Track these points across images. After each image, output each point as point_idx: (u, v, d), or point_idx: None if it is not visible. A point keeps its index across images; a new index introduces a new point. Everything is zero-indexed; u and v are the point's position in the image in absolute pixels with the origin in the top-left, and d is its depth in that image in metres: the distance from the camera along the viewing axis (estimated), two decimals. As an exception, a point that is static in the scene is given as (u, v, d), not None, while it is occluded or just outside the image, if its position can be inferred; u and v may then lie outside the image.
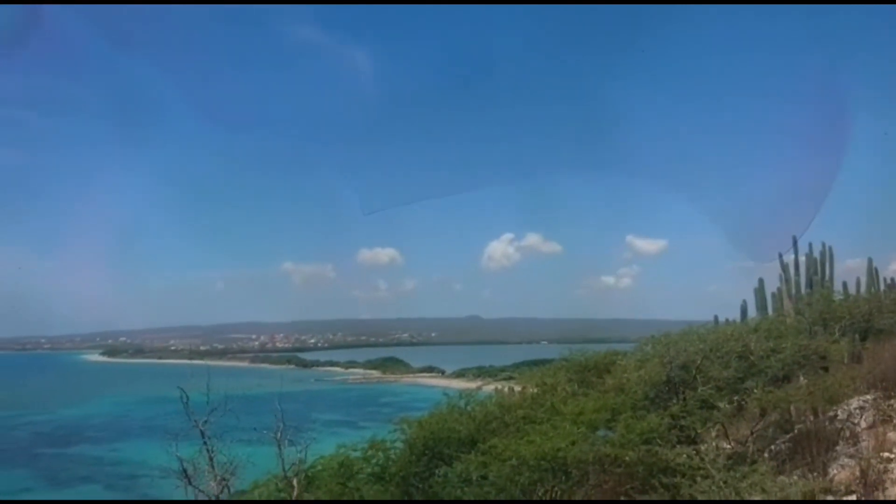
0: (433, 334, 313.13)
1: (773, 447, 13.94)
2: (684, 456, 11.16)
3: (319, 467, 12.93)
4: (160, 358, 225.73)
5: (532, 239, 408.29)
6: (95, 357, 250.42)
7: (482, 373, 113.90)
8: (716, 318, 23.70)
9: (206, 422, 8.31)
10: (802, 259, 24.17)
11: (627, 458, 11.32)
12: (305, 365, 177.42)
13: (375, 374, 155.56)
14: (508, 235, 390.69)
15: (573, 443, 11.51)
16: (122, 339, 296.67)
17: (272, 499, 12.91)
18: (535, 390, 16.69)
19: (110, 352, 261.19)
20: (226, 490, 8.56)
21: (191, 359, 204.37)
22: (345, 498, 12.58)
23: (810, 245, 24.40)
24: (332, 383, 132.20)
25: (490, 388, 22.62)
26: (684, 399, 13.44)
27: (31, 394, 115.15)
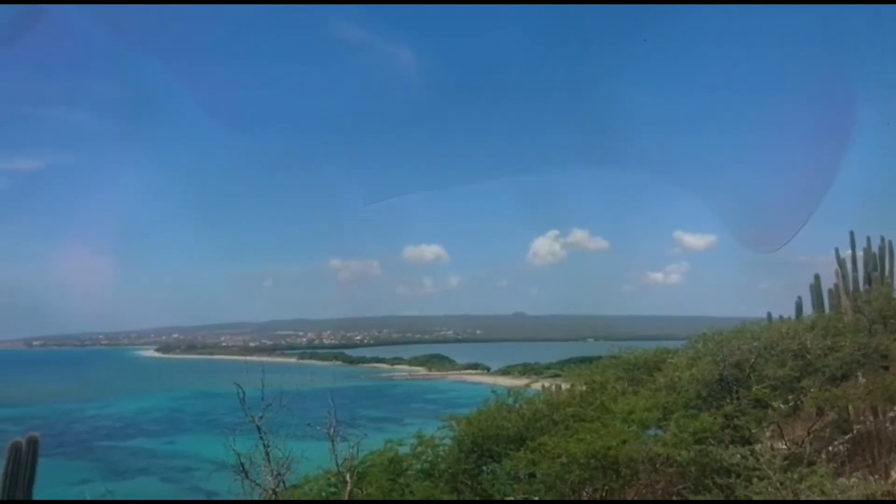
0: (478, 331, 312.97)
1: (830, 448, 13.59)
2: (738, 456, 10.94)
3: (369, 463, 13.08)
4: (211, 354, 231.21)
5: (578, 235, 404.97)
6: (150, 353, 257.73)
7: (527, 370, 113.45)
8: (769, 315, 23.12)
9: (261, 417, 8.49)
10: (860, 254, 23.38)
11: (680, 458, 11.15)
12: (351, 361, 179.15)
13: (421, 370, 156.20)
14: (554, 232, 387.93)
15: (624, 441, 11.40)
16: (175, 335, 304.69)
17: (323, 493, 13.14)
18: (584, 388, 16.57)
19: (164, 348, 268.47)
20: (281, 484, 8.74)
21: (240, 355, 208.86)
22: (394, 494, 12.70)
23: (868, 239, 23.58)
24: (378, 380, 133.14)
25: (537, 385, 22.55)
26: (738, 398, 13.20)
27: (91, 388, 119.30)
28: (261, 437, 8.47)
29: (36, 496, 12.77)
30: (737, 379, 13.63)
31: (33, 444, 11.94)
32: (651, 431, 12.72)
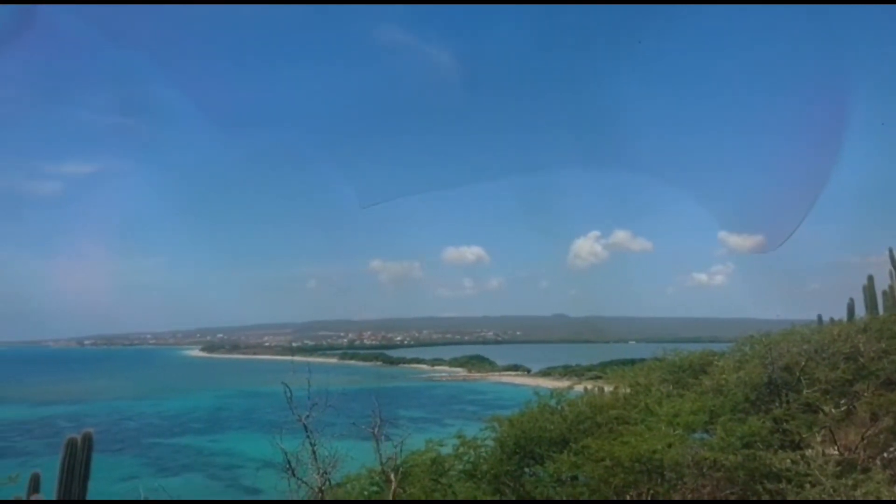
0: (518, 332, 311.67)
1: (885, 454, 13.16)
2: (789, 461, 10.69)
3: (411, 463, 13.12)
4: (254, 354, 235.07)
5: (620, 236, 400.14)
6: (195, 352, 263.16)
7: (568, 372, 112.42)
8: (819, 317, 22.55)
9: (307, 416, 8.61)
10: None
11: (728, 463, 10.92)
12: (392, 362, 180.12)
13: (461, 371, 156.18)
14: (595, 233, 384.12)
15: (669, 445, 11.22)
16: (220, 335, 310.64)
17: (365, 492, 13.24)
18: (628, 390, 16.38)
19: (209, 347, 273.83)
20: (327, 482, 8.85)
21: (282, 355, 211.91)
22: (437, 494, 12.73)
23: (924, 240, 22.78)
24: (418, 381, 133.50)
25: (579, 387, 22.35)
26: (787, 402, 12.90)
27: (139, 386, 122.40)
28: (307, 436, 8.58)
29: (89, 490, 13.19)
30: (786, 382, 13.32)
31: (88, 440, 12.36)
32: (697, 435, 12.50)
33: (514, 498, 13.03)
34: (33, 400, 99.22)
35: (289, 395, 8.50)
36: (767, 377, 13.35)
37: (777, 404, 12.92)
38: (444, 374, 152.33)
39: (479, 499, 12.51)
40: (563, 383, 24.80)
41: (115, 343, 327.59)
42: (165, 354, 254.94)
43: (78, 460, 12.24)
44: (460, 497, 12.48)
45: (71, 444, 12.46)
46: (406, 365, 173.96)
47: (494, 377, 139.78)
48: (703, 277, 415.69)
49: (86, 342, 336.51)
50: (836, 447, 13.39)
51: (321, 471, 8.52)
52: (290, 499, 9.44)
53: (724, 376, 14.47)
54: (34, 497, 11.79)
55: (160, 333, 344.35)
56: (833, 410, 13.53)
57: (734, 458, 10.96)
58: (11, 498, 11.75)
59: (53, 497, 12.40)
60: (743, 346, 15.73)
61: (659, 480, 11.64)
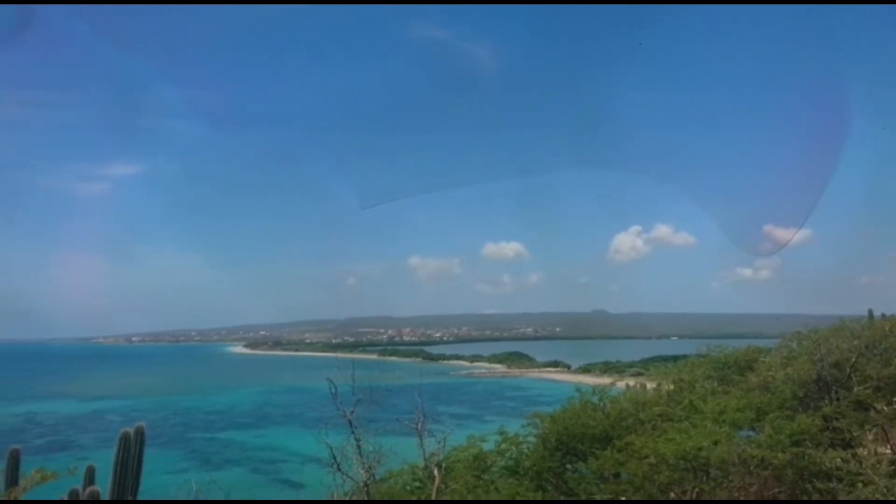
0: (557, 329, 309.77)
1: (942, 454, 12.74)
2: (839, 460, 10.43)
3: (453, 459, 13.19)
4: (296, 350, 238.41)
5: (662, 230, 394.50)
6: (239, 349, 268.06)
7: (609, 368, 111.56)
8: (870, 312, 21.92)
9: (352, 412, 8.73)
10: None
11: (776, 461, 10.72)
12: (431, 358, 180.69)
13: (500, 368, 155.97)
14: (637, 227, 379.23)
15: (715, 442, 11.06)
16: (262, 332, 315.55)
17: (408, 487, 13.36)
18: (671, 387, 16.19)
19: (252, 344, 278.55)
20: (372, 477, 8.97)
21: (323, 351, 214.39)
22: (479, 490, 12.77)
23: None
24: (458, 377, 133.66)
25: (620, 384, 22.16)
26: (837, 399, 12.59)
27: (185, 382, 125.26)
28: (352, 432, 8.70)
29: (141, 482, 13.59)
30: (836, 379, 13.00)
31: (140, 434, 12.75)
32: (743, 433, 12.30)
33: (556, 495, 13.00)
34: (84, 395, 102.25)
35: (334, 390, 8.63)
36: (816, 374, 13.05)
37: (826, 402, 12.61)
38: (483, 371, 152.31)
39: (521, 495, 12.51)
40: (603, 380, 24.63)
41: (161, 340, 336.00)
42: (210, 351, 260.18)
43: (131, 453, 12.64)
44: (503, 493, 12.50)
45: (125, 438, 12.86)
46: (445, 361, 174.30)
47: (534, 374, 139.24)
48: (747, 272, 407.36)
49: (134, 339, 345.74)
50: (888, 446, 13.03)
51: (366, 466, 8.63)
52: (336, 493, 9.60)
53: (771, 373, 14.19)
54: (90, 489, 12.22)
55: (205, 330, 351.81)
56: (885, 408, 13.14)
57: (782, 457, 10.76)
58: (70, 489, 12.22)
59: (108, 488, 12.84)
60: (790, 343, 15.40)
61: (704, 478, 11.49)
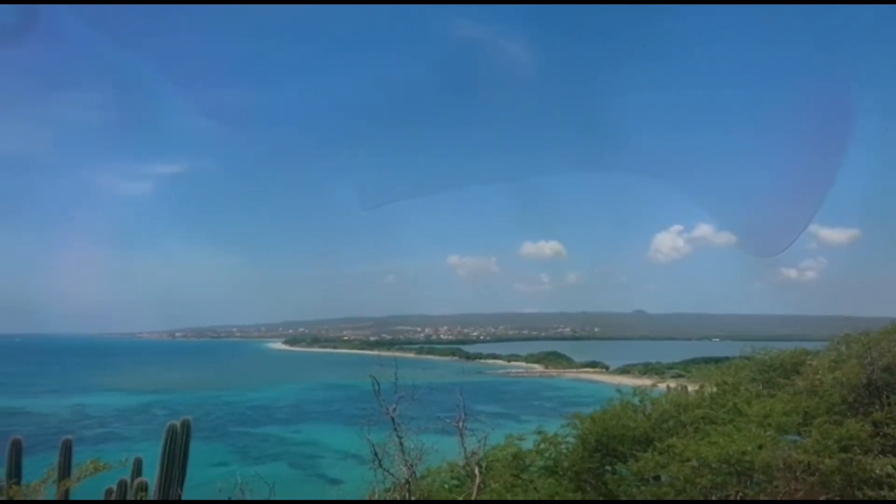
0: (596, 329, 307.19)
1: None
2: (890, 467, 10.15)
3: (491, 458, 13.19)
4: (334, 347, 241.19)
5: (703, 230, 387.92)
6: (278, 345, 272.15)
7: (648, 369, 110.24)
8: (924, 314, 21.19)
9: (394, 409, 8.81)
10: None
11: (823, 466, 10.48)
12: (468, 357, 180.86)
13: (537, 367, 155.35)
14: (678, 227, 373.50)
15: (760, 446, 10.85)
16: (301, 329, 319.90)
17: (446, 486, 13.40)
18: (714, 389, 15.91)
19: (291, 341, 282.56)
20: (413, 474, 9.04)
21: (361, 349, 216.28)
22: (517, 489, 12.76)
23: None
24: (495, 376, 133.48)
25: (661, 386, 21.89)
26: (889, 404, 12.22)
27: (226, 377, 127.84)
28: (395, 428, 8.79)
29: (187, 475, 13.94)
30: (888, 384, 12.62)
31: (187, 427, 13.07)
32: (790, 437, 12.03)
33: (595, 496, 12.91)
34: (130, 389, 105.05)
35: (376, 387, 8.72)
36: (866, 378, 12.68)
37: (877, 407, 12.25)
38: (520, 370, 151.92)
39: (560, 495, 12.47)
40: (642, 381, 24.34)
41: (203, 335, 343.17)
42: (250, 347, 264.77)
43: (178, 445, 12.98)
44: (542, 493, 12.47)
45: (171, 430, 13.22)
46: (482, 360, 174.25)
47: (571, 374, 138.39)
48: (792, 273, 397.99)
49: (177, 334, 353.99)
50: (943, 453, 12.61)
51: (408, 463, 8.70)
52: (376, 489, 9.69)
53: (818, 376, 13.83)
54: (138, 480, 12.59)
55: (245, 327, 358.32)
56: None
57: (830, 462, 10.50)
58: (118, 479, 12.62)
59: (155, 479, 13.21)
60: (839, 346, 14.99)
61: (748, 483, 11.28)
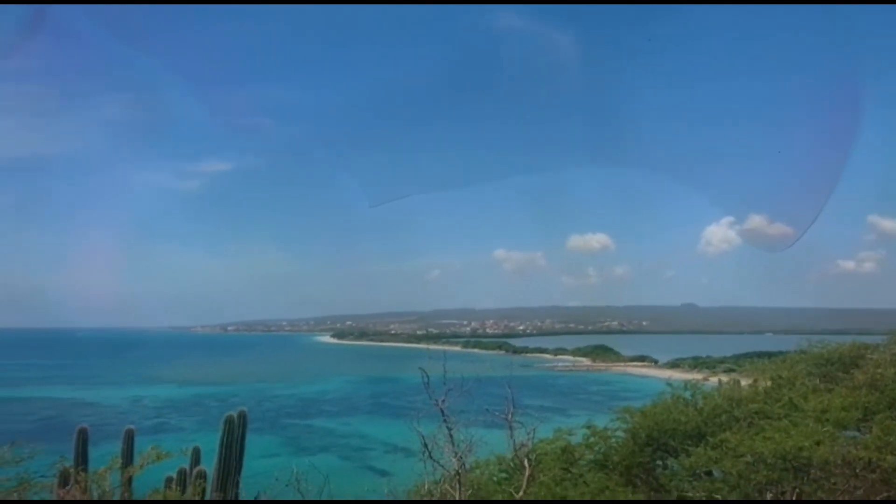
0: (644, 322, 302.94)
1: None
2: (956, 464, 9.80)
3: (539, 451, 13.17)
4: (381, 341, 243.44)
5: (755, 221, 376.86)
6: (326, 339, 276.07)
7: (699, 363, 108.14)
8: None
9: (443, 401, 8.90)
10: None
11: (885, 464, 10.17)
12: (515, 351, 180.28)
13: (585, 361, 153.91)
14: (728, 218, 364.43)
15: (818, 442, 10.58)
16: (349, 322, 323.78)
17: (494, 478, 13.46)
18: (768, 384, 15.57)
19: (338, 334, 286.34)
20: (463, 466, 9.13)
21: (408, 342, 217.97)
22: (567, 483, 12.72)
23: None
24: (541, 370, 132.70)
25: (713, 380, 21.52)
26: (954, 400, 11.80)
27: (276, 370, 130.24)
28: (444, 420, 8.88)
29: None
30: (953, 379, 12.19)
31: (243, 418, 13.44)
32: (848, 433, 11.71)
33: (646, 490, 12.79)
34: (184, 381, 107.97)
35: (426, 380, 8.83)
36: (930, 373, 12.29)
37: (942, 402, 11.86)
38: (567, 364, 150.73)
39: (610, 489, 12.39)
40: (692, 375, 23.97)
41: (254, 329, 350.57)
42: (299, 340, 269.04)
43: (235, 436, 13.36)
44: (591, 487, 12.40)
45: (229, 421, 13.61)
46: (529, 354, 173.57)
47: (619, 368, 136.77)
48: (849, 265, 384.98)
49: (228, 328, 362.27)
50: None
51: (458, 455, 8.79)
52: (426, 481, 9.82)
53: (879, 370, 13.42)
54: (197, 468, 13.01)
55: (294, 320, 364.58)
56: None
57: (892, 459, 10.19)
58: (178, 468, 13.06)
59: (213, 468, 13.62)
60: (902, 339, 14.55)
61: (805, 479, 11.02)
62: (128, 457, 12.82)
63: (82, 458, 13.76)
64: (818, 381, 14.67)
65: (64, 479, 10.96)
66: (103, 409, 75.38)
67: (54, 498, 10.22)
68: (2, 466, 8.78)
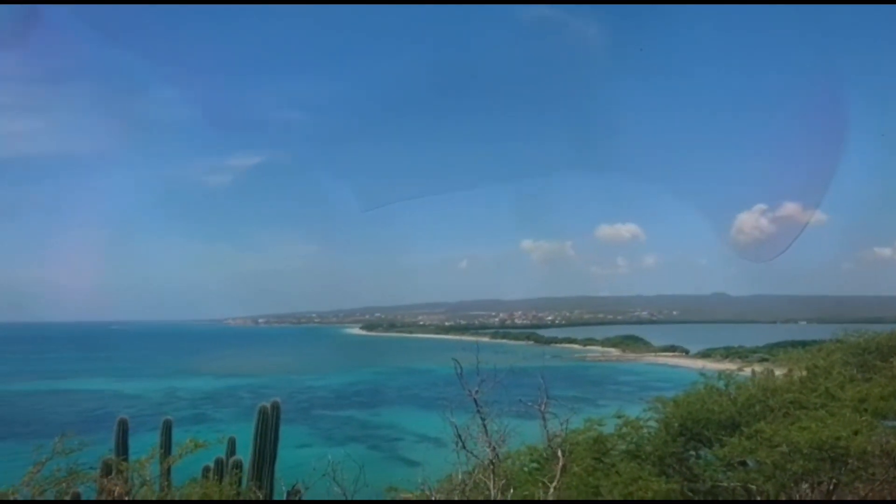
0: (674, 312, 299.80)
1: None
2: None
3: (571, 441, 13.14)
4: (410, 332, 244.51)
5: (789, 208, 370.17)
6: (356, 331, 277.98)
7: (731, 353, 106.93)
8: None
9: (477, 391, 8.97)
10: None
11: (925, 454, 10.01)
12: (544, 342, 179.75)
13: (614, 352, 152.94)
14: (761, 206, 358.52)
15: (856, 432, 10.44)
16: (378, 314, 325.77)
17: (525, 469, 13.47)
18: (804, 373, 15.37)
19: (368, 326, 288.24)
20: (496, 456, 9.19)
21: (436, 333, 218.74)
22: (598, 473, 12.70)
23: None
24: (570, 360, 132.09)
25: (746, 370, 21.29)
26: None
27: (306, 362, 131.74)
28: (478, 410, 8.95)
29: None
30: None
31: (276, 408, 13.66)
32: (888, 423, 11.53)
33: (679, 480, 12.70)
34: (218, 373, 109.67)
35: (459, 371, 8.90)
36: (972, 361, 12.03)
37: (985, 391, 11.60)
38: (597, 355, 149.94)
39: (643, 479, 12.33)
40: (725, 365, 23.75)
41: (284, 322, 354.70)
42: (329, 332, 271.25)
43: (269, 426, 13.59)
44: (623, 477, 12.37)
45: (263, 412, 13.84)
46: (557, 344, 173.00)
47: (650, 358, 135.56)
48: (886, 252, 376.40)
49: (260, 321, 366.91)
50: None
51: (492, 445, 8.85)
52: (459, 470, 9.90)
53: (919, 360, 13.21)
54: (233, 458, 13.28)
55: (324, 313, 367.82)
56: None
57: (933, 449, 10.04)
58: (215, 457, 13.34)
59: (248, 458, 13.88)
60: (941, 327, 14.26)
61: (842, 469, 10.88)
62: (167, 447, 13.13)
63: (123, 448, 14.13)
64: (855, 370, 14.47)
65: (107, 469, 11.26)
66: (139, 400, 76.97)
67: (98, 488, 10.52)
68: (53, 458, 9.09)
